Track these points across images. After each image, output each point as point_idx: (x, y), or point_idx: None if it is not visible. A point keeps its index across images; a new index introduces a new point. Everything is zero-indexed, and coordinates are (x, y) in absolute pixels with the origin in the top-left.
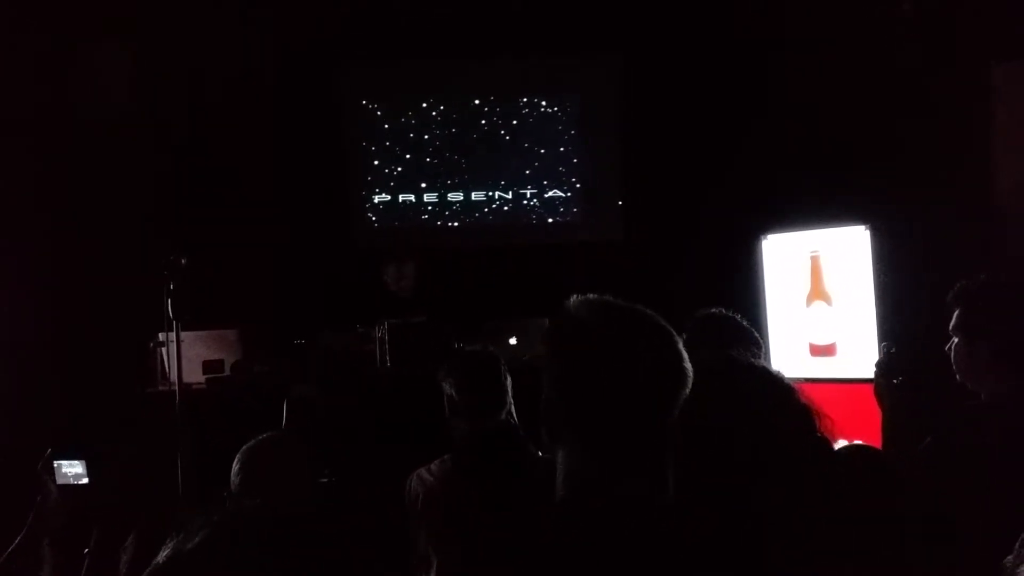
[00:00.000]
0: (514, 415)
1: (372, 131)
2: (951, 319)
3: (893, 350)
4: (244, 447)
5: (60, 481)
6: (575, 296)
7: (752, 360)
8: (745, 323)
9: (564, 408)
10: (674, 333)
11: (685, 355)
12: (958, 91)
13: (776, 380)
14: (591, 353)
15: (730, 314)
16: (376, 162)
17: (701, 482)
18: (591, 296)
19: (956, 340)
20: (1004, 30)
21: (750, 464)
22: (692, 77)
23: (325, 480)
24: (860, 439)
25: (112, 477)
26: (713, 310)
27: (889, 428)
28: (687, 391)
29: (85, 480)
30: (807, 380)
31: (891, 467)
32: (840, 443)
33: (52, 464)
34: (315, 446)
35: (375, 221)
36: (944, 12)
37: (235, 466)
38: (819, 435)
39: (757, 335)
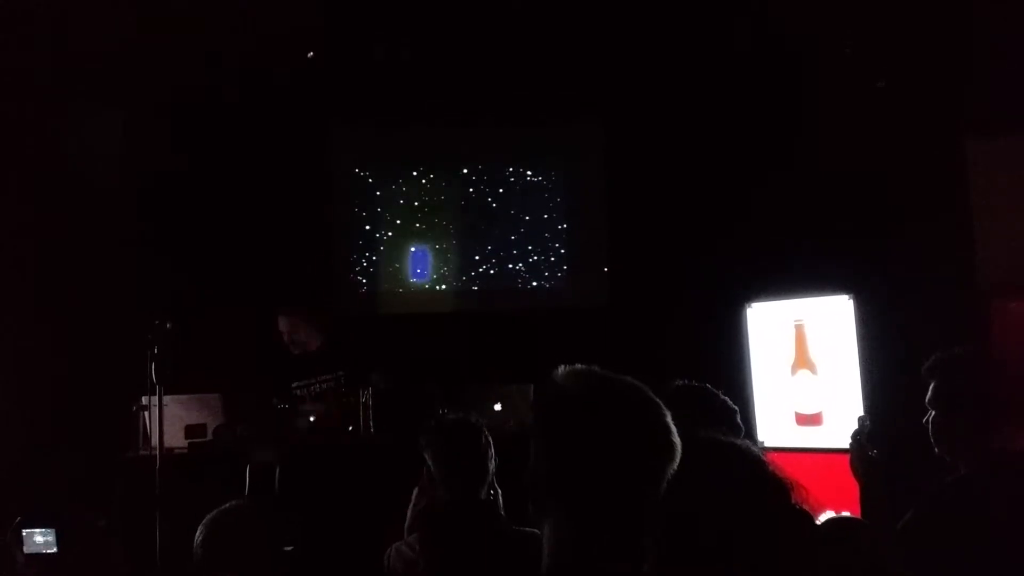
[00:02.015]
0: (496, 486)
1: (363, 198)
2: (927, 391)
3: (868, 422)
4: (206, 517)
5: (28, 550)
6: (562, 366)
7: (718, 436)
8: (720, 393)
9: (551, 480)
10: (662, 406)
11: (673, 428)
12: (939, 165)
13: (745, 453)
14: (579, 426)
15: (703, 386)
16: (367, 227)
17: (678, 559)
18: (579, 367)
19: (933, 413)
20: (979, 109)
21: (725, 541)
22: (677, 146)
23: (289, 549)
24: (849, 511)
25: (83, 546)
26: (684, 382)
27: (866, 501)
28: (675, 465)
29: (54, 549)
30: (793, 450)
31: (870, 539)
32: (827, 514)
33: (20, 533)
34: (278, 512)
35: (364, 285)
36: (921, 87)
37: (197, 537)
38: (795, 506)
39: (733, 405)
